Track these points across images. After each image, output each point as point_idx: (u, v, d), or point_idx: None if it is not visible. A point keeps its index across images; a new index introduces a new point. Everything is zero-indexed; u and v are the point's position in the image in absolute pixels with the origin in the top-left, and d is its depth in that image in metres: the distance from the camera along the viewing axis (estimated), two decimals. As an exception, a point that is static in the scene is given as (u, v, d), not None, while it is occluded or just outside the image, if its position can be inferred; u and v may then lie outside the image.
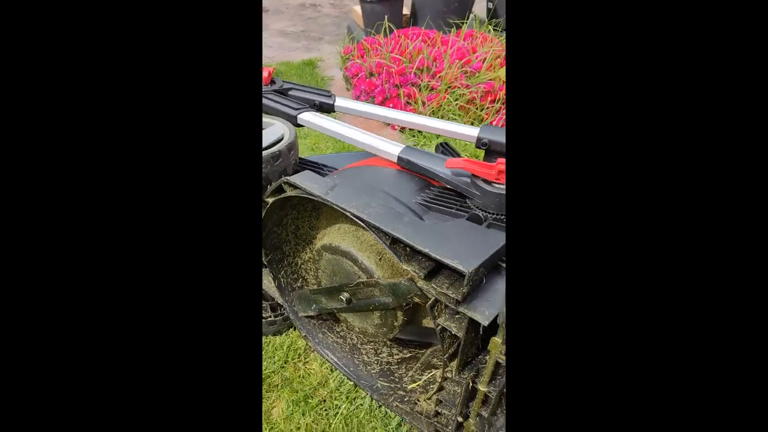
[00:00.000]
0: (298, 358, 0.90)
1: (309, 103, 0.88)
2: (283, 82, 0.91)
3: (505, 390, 0.57)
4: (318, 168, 0.86)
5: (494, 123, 1.72)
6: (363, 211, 0.59)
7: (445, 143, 0.84)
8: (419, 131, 1.72)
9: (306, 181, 0.66)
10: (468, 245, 0.54)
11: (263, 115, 0.84)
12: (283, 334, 0.94)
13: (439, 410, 0.69)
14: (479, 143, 0.77)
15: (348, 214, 0.60)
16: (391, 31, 2.25)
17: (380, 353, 0.86)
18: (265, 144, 0.76)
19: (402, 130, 1.76)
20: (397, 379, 0.80)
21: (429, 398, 0.71)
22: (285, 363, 0.89)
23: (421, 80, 1.76)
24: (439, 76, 1.74)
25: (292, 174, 0.81)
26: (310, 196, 0.64)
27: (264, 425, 0.79)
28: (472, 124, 1.73)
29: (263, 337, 0.94)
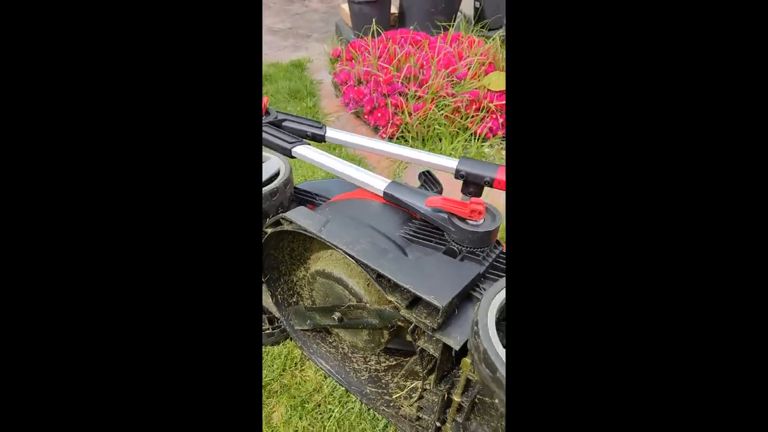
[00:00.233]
0: (295, 366, 0.99)
1: (301, 134, 0.95)
2: (277, 112, 0.97)
3: (476, 399, 0.67)
4: (311, 198, 0.93)
5: (479, 131, 1.79)
6: (353, 248, 0.67)
7: (428, 171, 0.92)
8: (405, 140, 1.79)
9: (301, 218, 0.73)
10: (443, 280, 0.63)
11: (259, 145, 0.91)
12: (281, 345, 1.03)
13: (420, 415, 0.78)
14: (457, 174, 0.85)
15: (339, 251, 0.68)
16: (379, 33, 2.29)
17: (369, 361, 0.96)
18: (263, 179, 0.83)
19: (391, 138, 1.82)
20: (384, 385, 0.89)
21: (411, 405, 0.80)
22: (283, 371, 0.98)
23: (409, 89, 1.82)
24: (426, 86, 1.80)
25: (289, 204, 0.88)
26: (305, 233, 0.72)
27: (265, 429, 0.88)
28: (457, 132, 1.81)
29: (263, 348, 1.02)
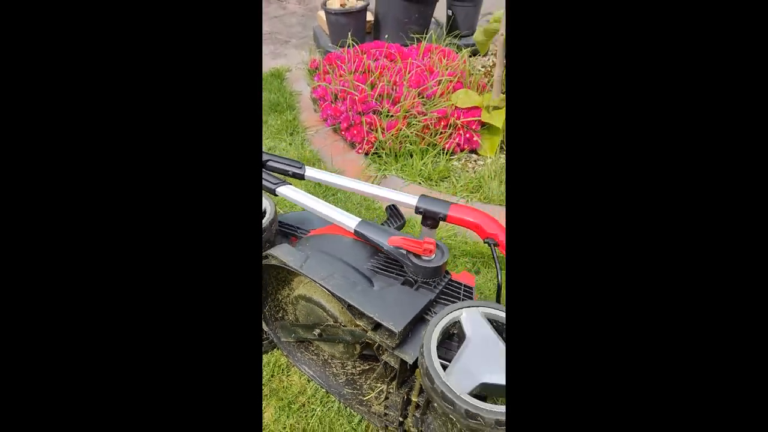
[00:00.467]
0: (282, 372, 1.15)
1: (284, 173, 1.09)
2: (263, 153, 1.10)
3: (429, 399, 0.84)
4: (294, 230, 1.08)
5: (447, 146, 1.95)
6: (328, 282, 0.83)
7: (393, 205, 1.07)
8: (378, 156, 1.93)
9: (284, 255, 0.88)
10: (401, 308, 0.79)
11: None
12: (269, 354, 1.18)
13: (387, 412, 0.95)
14: (417, 210, 1.01)
15: (317, 284, 0.83)
16: (356, 44, 2.40)
17: (346, 366, 1.12)
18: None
19: (366, 154, 1.96)
20: (358, 387, 1.06)
21: (380, 403, 0.97)
22: (271, 377, 1.14)
23: (382, 107, 1.96)
24: (399, 105, 1.94)
25: (274, 239, 1.02)
26: (289, 268, 0.87)
27: (258, 427, 1.03)
28: (427, 148, 1.96)
29: (252, 356, 1.17)
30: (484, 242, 0.93)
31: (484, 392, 0.67)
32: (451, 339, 0.77)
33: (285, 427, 1.03)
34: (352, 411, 1.07)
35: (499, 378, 0.65)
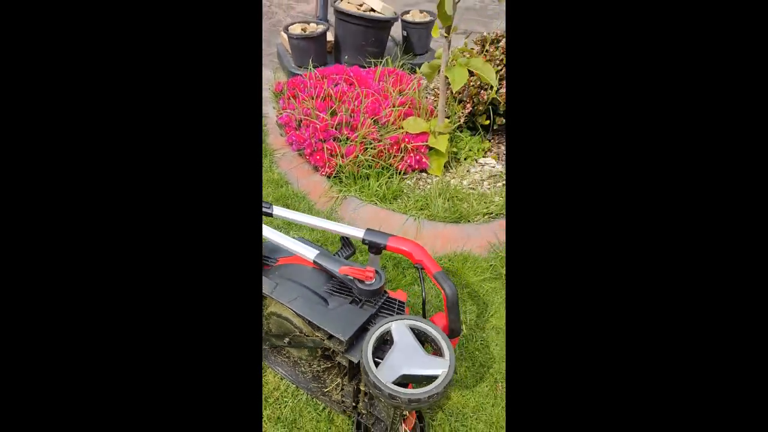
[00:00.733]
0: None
1: (255, 213, 1.33)
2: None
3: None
4: (265, 259, 1.33)
5: (400, 167, 2.23)
6: (293, 304, 1.09)
7: (345, 237, 1.34)
8: (339, 180, 2.19)
9: (259, 284, 1.13)
10: (348, 322, 1.06)
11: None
12: (248, 359, 1.43)
13: (344, 399, 1.23)
14: (363, 241, 1.28)
15: (285, 305, 1.09)
16: (316, 66, 2.62)
17: (312, 365, 1.39)
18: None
19: (329, 176, 2.21)
20: (322, 382, 1.33)
21: (338, 393, 1.25)
22: (251, 377, 1.39)
23: (342, 134, 2.21)
24: (357, 133, 2.20)
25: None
26: (263, 294, 1.12)
27: (241, 418, 1.29)
28: (382, 169, 2.23)
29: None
30: (414, 266, 1.21)
31: (404, 381, 0.95)
32: (386, 343, 1.05)
33: (262, 417, 1.29)
34: (317, 401, 1.34)
35: (415, 371, 0.93)
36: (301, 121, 2.30)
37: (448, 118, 2.34)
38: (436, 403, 1.03)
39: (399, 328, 1.02)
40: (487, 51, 2.43)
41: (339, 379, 1.25)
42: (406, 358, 0.96)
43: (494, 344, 1.51)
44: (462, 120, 2.40)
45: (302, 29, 3.01)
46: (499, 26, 4.15)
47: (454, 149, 2.37)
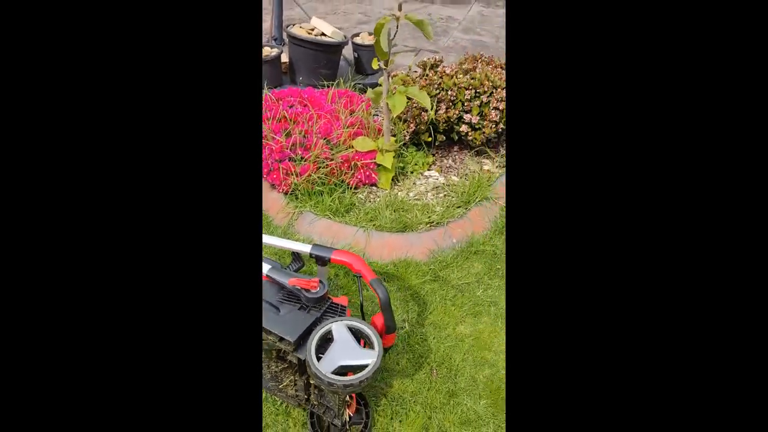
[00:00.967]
0: (223, 377, 1.57)
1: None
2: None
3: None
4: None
5: (351, 183, 2.44)
6: (248, 313, 1.28)
7: (296, 252, 1.54)
8: (295, 196, 2.38)
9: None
10: (295, 325, 1.26)
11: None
12: (212, 365, 1.60)
13: (297, 393, 1.43)
14: (311, 255, 1.48)
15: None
16: (271, 88, 2.80)
17: (270, 367, 1.57)
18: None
19: (285, 193, 2.39)
20: (279, 380, 1.52)
21: (292, 388, 1.45)
22: (215, 381, 1.56)
23: (296, 155, 2.40)
24: (310, 153, 2.40)
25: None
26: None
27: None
28: (335, 185, 2.43)
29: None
30: (354, 276, 1.43)
31: (343, 371, 1.16)
32: (328, 342, 1.26)
33: (227, 415, 1.47)
34: (275, 398, 1.52)
35: (350, 361, 1.15)
36: (257, 142, 2.47)
37: (394, 136, 2.58)
38: (367, 386, 1.21)
39: (338, 327, 1.24)
40: (426, 75, 2.70)
41: (293, 377, 1.45)
42: (343, 351, 1.18)
43: (432, 338, 1.74)
44: (407, 137, 2.65)
45: (257, 53, 3.17)
46: (446, 42, 4.47)
47: (401, 164, 2.61)
